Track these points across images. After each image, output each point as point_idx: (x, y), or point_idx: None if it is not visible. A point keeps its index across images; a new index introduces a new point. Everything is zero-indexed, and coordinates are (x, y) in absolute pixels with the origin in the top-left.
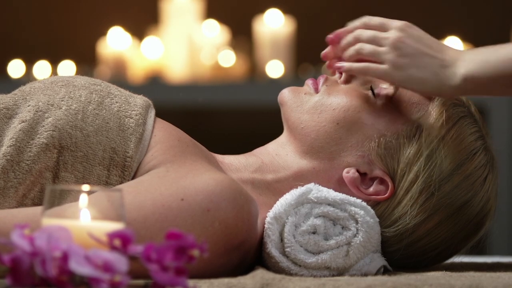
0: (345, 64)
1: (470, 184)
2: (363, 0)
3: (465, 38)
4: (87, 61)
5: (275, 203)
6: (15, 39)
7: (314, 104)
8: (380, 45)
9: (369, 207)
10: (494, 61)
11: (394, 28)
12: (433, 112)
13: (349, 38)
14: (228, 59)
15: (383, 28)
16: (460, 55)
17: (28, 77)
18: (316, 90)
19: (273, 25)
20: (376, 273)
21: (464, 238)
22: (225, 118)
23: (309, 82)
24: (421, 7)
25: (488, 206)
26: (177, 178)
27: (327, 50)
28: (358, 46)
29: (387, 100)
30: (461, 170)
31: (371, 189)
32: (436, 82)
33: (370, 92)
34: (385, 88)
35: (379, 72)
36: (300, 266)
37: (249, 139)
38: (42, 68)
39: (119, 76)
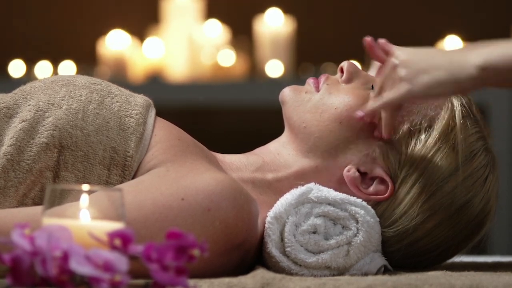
0: (375, 105)
1: (471, 184)
2: (364, 0)
3: (465, 37)
4: (88, 61)
5: (275, 202)
6: (15, 39)
7: (316, 103)
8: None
9: (369, 207)
10: (508, 48)
11: (396, 58)
12: (434, 113)
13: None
14: (228, 58)
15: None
16: (468, 49)
17: (28, 77)
18: (317, 89)
19: (273, 24)
20: (377, 273)
21: (464, 239)
22: (225, 117)
23: (310, 81)
24: (421, 6)
25: (489, 207)
26: (178, 177)
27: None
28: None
29: None
30: (462, 171)
31: (371, 189)
32: (454, 79)
33: (371, 91)
34: None
35: (400, 92)
36: (300, 265)
37: (249, 139)
38: (42, 68)
39: (119, 76)
